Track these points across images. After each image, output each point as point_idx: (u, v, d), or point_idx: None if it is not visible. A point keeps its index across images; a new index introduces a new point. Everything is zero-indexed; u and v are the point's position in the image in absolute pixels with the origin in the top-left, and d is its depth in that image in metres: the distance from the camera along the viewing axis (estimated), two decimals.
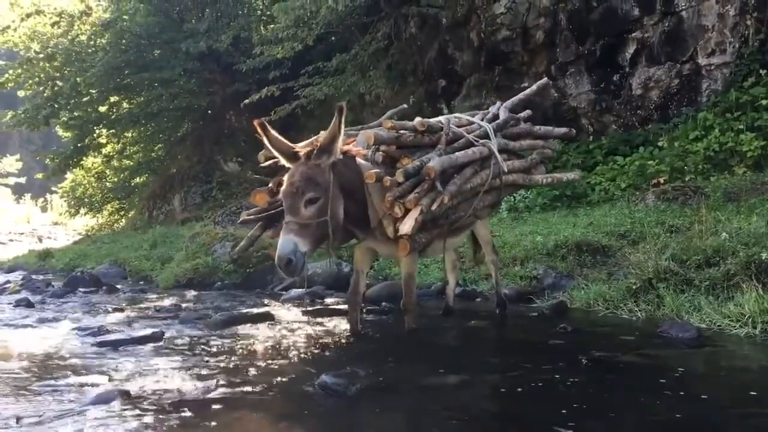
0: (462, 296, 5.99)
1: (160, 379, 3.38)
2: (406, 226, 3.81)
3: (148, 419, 2.78)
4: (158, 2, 16.31)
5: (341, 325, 4.97)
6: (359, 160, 4.03)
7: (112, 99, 17.80)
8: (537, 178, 4.96)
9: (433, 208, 3.88)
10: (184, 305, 6.47)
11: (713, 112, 8.79)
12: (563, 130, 5.28)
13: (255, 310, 5.32)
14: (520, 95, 5.41)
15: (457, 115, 5.01)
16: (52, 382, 3.35)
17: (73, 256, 13.17)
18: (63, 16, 17.05)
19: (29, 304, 6.57)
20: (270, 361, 3.77)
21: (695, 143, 8.53)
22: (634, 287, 5.11)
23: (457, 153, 4.21)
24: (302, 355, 3.94)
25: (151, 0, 16.12)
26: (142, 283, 9.56)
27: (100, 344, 4.24)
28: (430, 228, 4.14)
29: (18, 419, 2.72)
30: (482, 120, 4.89)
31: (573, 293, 5.58)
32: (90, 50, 16.82)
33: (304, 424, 2.84)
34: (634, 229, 6.48)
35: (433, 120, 4.45)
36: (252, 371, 3.54)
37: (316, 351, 4.07)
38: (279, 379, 3.38)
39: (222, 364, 3.72)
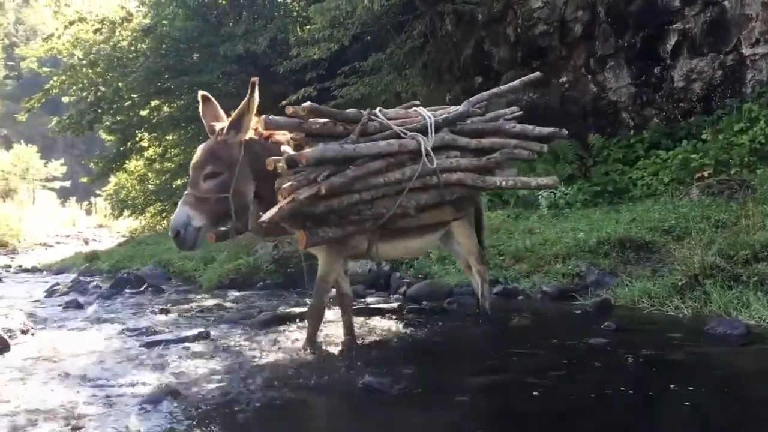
0: (502, 294, 5.96)
1: (207, 379, 3.45)
2: (267, 214, 3.58)
3: (197, 418, 2.84)
4: (196, 7, 16.54)
5: (382, 324, 5.00)
6: (285, 147, 3.79)
7: (153, 103, 18.09)
8: (494, 180, 4.40)
9: (301, 197, 3.49)
10: (227, 305, 6.57)
11: (758, 103, 8.56)
12: (549, 130, 4.64)
13: (297, 310, 5.37)
14: (495, 90, 4.90)
15: (419, 108, 4.50)
16: (104, 381, 3.45)
17: (119, 257, 13.44)
18: (105, 23, 17.41)
19: (78, 306, 6.74)
20: (313, 361, 3.81)
21: (740, 135, 8.33)
22: (679, 284, 5.03)
23: (360, 144, 3.84)
24: (347, 354, 3.97)
25: (190, 5, 16.35)
26: (185, 283, 9.72)
27: (149, 344, 4.34)
28: (335, 223, 3.80)
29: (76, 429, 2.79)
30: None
31: (617, 290, 5.50)
32: (131, 56, 17.14)
33: (348, 423, 2.88)
34: (678, 224, 6.36)
35: (352, 111, 4.07)
36: (296, 371, 3.58)
37: (358, 349, 4.10)
38: (323, 378, 3.41)
39: (267, 364, 3.78)
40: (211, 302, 6.89)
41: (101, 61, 17.17)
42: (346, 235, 3.94)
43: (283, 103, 13.62)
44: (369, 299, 6.30)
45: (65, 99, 19.12)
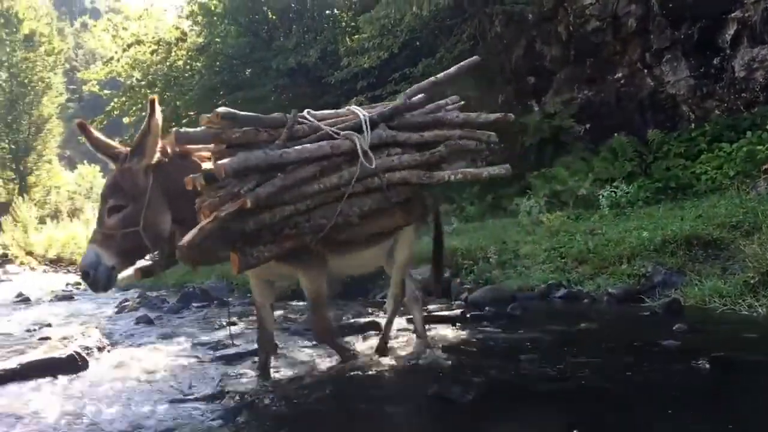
0: (567, 298, 5.88)
1: (280, 390, 3.51)
2: (186, 237, 3.21)
3: (273, 430, 2.89)
4: (248, 23, 16.89)
5: (447, 331, 4.99)
6: (206, 164, 3.41)
7: None
8: (441, 175, 3.98)
9: (224, 214, 3.18)
10: (291, 317, 6.66)
11: None
12: (495, 116, 4.33)
13: (361, 320, 5.42)
14: (432, 78, 4.46)
15: (353, 107, 4.20)
16: (181, 396, 3.55)
17: (182, 272, 13.71)
18: (161, 44, 17.96)
19: (149, 321, 6.93)
20: (381, 370, 3.83)
21: None
22: (752, 281, 4.89)
23: (286, 149, 3.49)
24: (412, 363, 3.98)
25: (241, 22, 16.70)
26: (248, 296, 9.89)
27: (219, 358, 4.44)
28: (271, 240, 3.47)
29: None
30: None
31: (686, 290, 5.37)
32: (186, 74, 17.61)
33: None
34: (746, 219, 6.16)
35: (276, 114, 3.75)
36: (364, 381, 3.61)
37: (426, 359, 4.11)
38: (392, 387, 3.45)
39: (335, 375, 3.82)
40: (275, 314, 6.99)
41: (159, 81, 17.69)
42: (284, 251, 3.55)
43: None
44: (431, 306, 6.30)
45: (126, 120, 19.73)
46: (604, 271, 6.31)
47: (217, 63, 16.88)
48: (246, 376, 3.94)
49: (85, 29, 57.21)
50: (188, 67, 17.90)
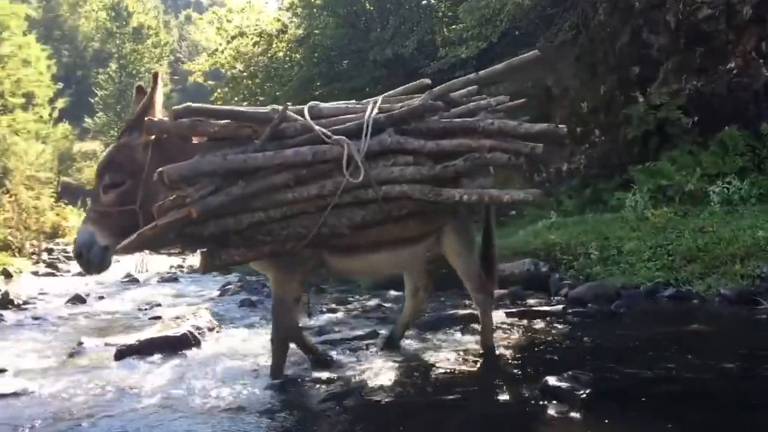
0: (675, 297, 5.66)
1: (384, 378, 3.57)
2: (123, 243, 3.08)
3: (377, 417, 2.94)
4: (346, 14, 17.11)
5: (549, 327, 4.92)
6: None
7: None
8: (451, 194, 3.37)
9: (163, 222, 3.02)
10: (387, 305, 6.73)
11: None
12: (540, 126, 3.53)
13: (460, 312, 5.41)
14: (472, 76, 3.89)
15: (373, 101, 3.74)
16: (288, 378, 3.66)
17: None
18: (263, 35, 18.51)
19: (251, 304, 7.19)
20: (484, 364, 3.82)
21: None
22: None
23: (253, 154, 3.22)
24: (516, 358, 3.95)
25: (340, 13, 16.93)
26: (344, 283, 10.06)
27: (324, 343, 4.56)
28: (240, 244, 3.27)
29: None
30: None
31: None
32: (286, 66, 18.06)
33: (528, 430, 2.86)
34: None
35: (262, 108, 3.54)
36: (466, 374, 3.62)
37: (527, 354, 4.07)
38: (496, 382, 3.42)
39: (437, 366, 3.84)
40: (371, 302, 7.10)
41: (260, 72, 18.24)
42: (261, 255, 3.35)
43: None
44: (530, 301, 6.22)
45: None
46: (715, 271, 6.03)
47: (316, 54, 17.20)
48: (351, 360, 4.02)
49: (189, 22, 59.53)
50: (288, 58, 18.35)
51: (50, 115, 32.66)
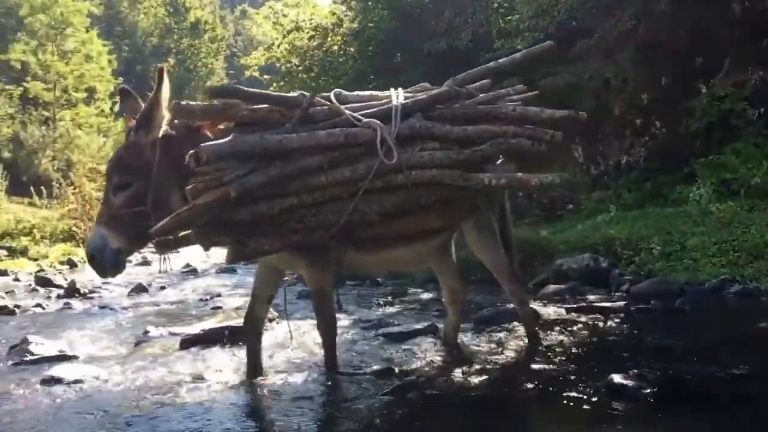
0: (742, 295, 5.49)
1: (444, 373, 3.57)
2: (159, 224, 2.96)
3: (438, 411, 2.96)
4: (400, 7, 17.07)
5: (610, 324, 4.84)
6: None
7: None
8: (480, 178, 3.40)
9: (201, 202, 2.93)
10: (443, 299, 6.71)
11: None
12: (562, 113, 3.58)
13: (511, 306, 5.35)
14: (492, 64, 3.96)
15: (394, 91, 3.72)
16: (349, 370, 3.70)
17: None
18: (318, 29, 18.64)
19: (308, 296, 7.24)
20: (545, 360, 3.78)
21: None
22: None
23: (289, 134, 3.17)
24: (578, 355, 3.90)
25: (394, 6, 16.91)
26: (399, 276, 10.05)
27: (383, 336, 4.58)
28: (271, 232, 3.18)
29: None
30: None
31: None
32: (341, 59, 18.14)
33: (594, 428, 2.82)
34: None
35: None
36: (528, 369, 3.59)
37: (590, 350, 4.02)
38: (559, 378, 3.38)
39: (497, 361, 3.82)
40: (427, 296, 7.09)
41: (315, 66, 18.38)
42: (289, 245, 3.28)
43: None
44: (590, 296, 6.11)
45: None
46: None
47: (370, 48, 17.22)
48: (412, 354, 4.04)
49: (245, 16, 60.36)
50: (342, 52, 18.42)
51: (111, 109, 33.58)
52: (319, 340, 4.50)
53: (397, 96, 3.58)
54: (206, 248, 3.40)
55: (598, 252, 7.45)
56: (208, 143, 3.01)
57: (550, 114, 3.54)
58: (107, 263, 3.13)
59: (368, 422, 2.90)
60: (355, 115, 3.37)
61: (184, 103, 3.14)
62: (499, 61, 3.96)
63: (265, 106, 3.26)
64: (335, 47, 18.69)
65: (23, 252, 13.79)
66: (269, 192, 3.12)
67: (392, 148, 3.28)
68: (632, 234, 7.52)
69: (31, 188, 21.29)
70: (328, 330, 3.60)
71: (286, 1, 20.93)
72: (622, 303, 5.49)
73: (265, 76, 20.93)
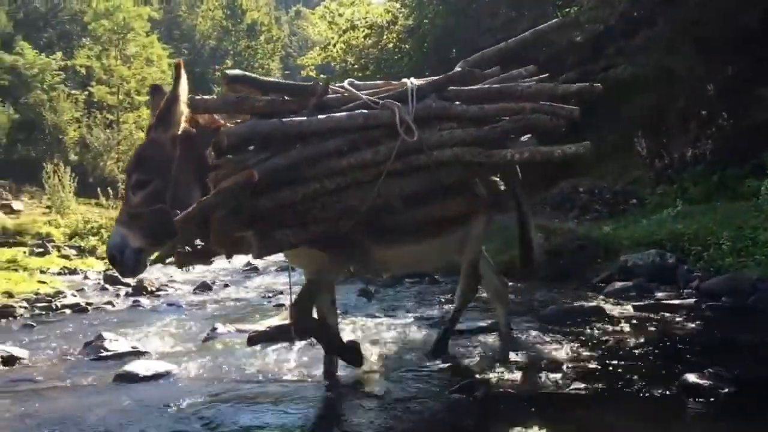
0: None
1: (512, 371, 3.54)
2: (183, 213, 2.90)
3: (508, 409, 2.93)
4: (456, 2, 16.96)
5: (681, 321, 4.71)
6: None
7: None
8: (502, 154, 3.42)
9: (226, 185, 2.86)
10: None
11: None
12: (577, 86, 3.64)
13: (586, 304, 5.27)
14: (501, 45, 3.97)
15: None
16: (416, 367, 3.71)
17: None
18: (373, 28, 18.71)
19: (367, 294, 7.28)
20: (616, 358, 3.72)
21: None
22: None
23: (309, 118, 3.13)
24: (649, 353, 3.82)
25: (450, 1, 16.81)
26: (457, 274, 10.01)
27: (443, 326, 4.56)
28: (294, 222, 3.12)
29: None
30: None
31: None
32: (396, 56, 18.15)
33: (671, 428, 2.76)
34: None
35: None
36: (601, 368, 3.53)
37: (661, 349, 3.92)
38: (630, 377, 3.32)
39: (567, 360, 3.77)
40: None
41: (370, 65, 18.44)
42: (314, 237, 3.20)
43: None
44: (658, 294, 5.95)
45: None
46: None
47: (425, 44, 17.18)
48: (477, 352, 4.02)
49: (299, 17, 61.00)
50: (397, 49, 18.43)
51: None
52: (385, 337, 4.57)
53: (412, 81, 3.57)
54: (228, 252, 3.29)
55: (665, 248, 7.25)
56: (229, 128, 3.01)
57: (565, 89, 3.61)
58: (128, 263, 3.05)
59: (435, 419, 2.92)
60: (371, 98, 3.37)
61: (198, 97, 3.10)
62: (508, 42, 3.96)
63: (278, 98, 3.22)
64: (390, 45, 18.71)
65: (92, 251, 14.23)
66: (291, 177, 3.07)
67: (412, 127, 3.27)
68: (700, 229, 7.29)
69: (98, 189, 21.95)
70: (303, 321, 3.47)
71: (342, 1, 21.06)
72: (691, 300, 5.34)
73: (321, 76, 21.10)
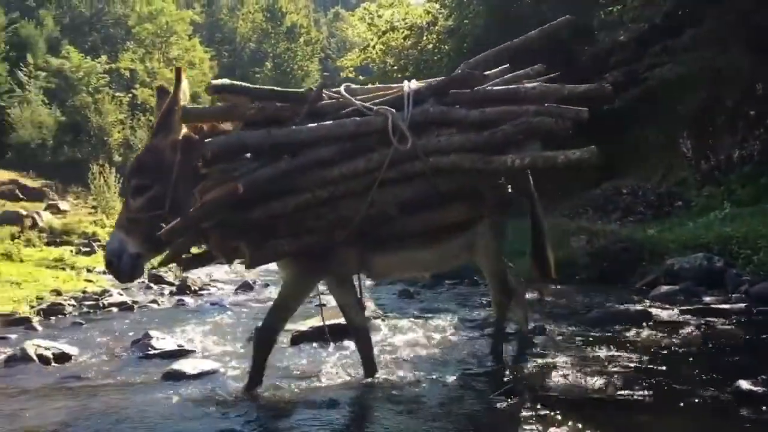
0: None
1: (559, 376, 3.49)
2: (167, 227, 2.86)
3: (556, 415, 2.88)
4: (496, 2, 16.85)
5: (731, 326, 4.61)
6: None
7: None
8: (502, 160, 3.18)
9: (209, 198, 2.83)
10: (548, 299, 6.57)
11: None
12: (584, 87, 3.39)
13: (631, 308, 5.19)
14: (505, 45, 3.77)
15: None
16: (460, 367, 3.70)
17: None
18: (413, 29, 18.73)
19: (409, 295, 7.30)
20: (665, 363, 3.65)
21: None
22: None
23: (297, 127, 3.05)
24: (700, 359, 3.74)
25: (491, 1, 16.71)
26: None
27: (489, 335, 4.53)
28: (287, 233, 3.08)
29: None
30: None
31: None
32: (435, 57, 18.13)
33: None
34: None
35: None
36: (650, 373, 3.47)
37: (711, 354, 3.84)
38: (679, 383, 3.26)
39: (616, 364, 3.71)
40: (529, 296, 6.94)
41: (410, 66, 18.45)
42: (309, 247, 3.12)
43: None
44: (706, 298, 5.82)
45: None
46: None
47: (465, 44, 17.10)
48: (519, 354, 3.99)
49: (338, 18, 61.32)
50: (437, 50, 18.40)
51: None
52: (425, 339, 4.56)
53: (409, 84, 3.46)
54: (228, 259, 3.29)
55: (712, 251, 7.09)
56: (214, 138, 2.97)
57: (571, 90, 3.37)
58: (125, 268, 3.05)
59: (477, 424, 2.88)
60: (365, 104, 3.27)
61: (190, 106, 3.09)
62: (514, 41, 3.78)
63: (270, 105, 3.17)
64: (430, 46, 18.70)
65: None
66: (281, 188, 3.02)
67: (405, 134, 3.14)
68: (749, 232, 7.12)
69: None
70: (265, 339, 3.44)
71: (381, 2, 21.10)
72: (741, 305, 5.21)
73: (360, 77, 21.18)
